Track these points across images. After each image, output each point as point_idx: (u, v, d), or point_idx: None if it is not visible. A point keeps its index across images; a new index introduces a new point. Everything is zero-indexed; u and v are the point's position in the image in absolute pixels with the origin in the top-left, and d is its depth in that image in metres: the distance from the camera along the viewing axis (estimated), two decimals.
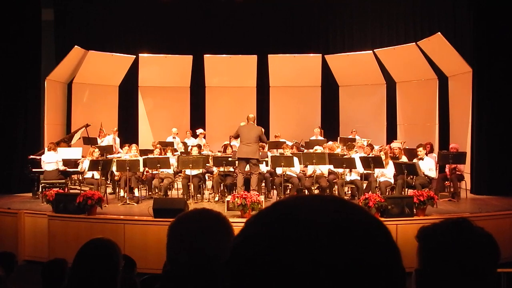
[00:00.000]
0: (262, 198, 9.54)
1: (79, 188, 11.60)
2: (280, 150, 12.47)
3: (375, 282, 0.73)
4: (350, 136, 14.78)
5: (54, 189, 10.19)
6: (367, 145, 12.24)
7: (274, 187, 11.45)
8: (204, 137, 15.32)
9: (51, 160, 11.54)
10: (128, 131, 16.65)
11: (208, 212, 1.71)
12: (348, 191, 11.76)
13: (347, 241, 0.74)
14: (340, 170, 11.05)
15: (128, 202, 10.91)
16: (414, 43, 14.33)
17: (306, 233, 0.74)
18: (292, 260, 0.72)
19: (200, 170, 11.38)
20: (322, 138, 14.75)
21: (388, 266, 0.76)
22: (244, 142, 10.63)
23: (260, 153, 12.00)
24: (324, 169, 11.27)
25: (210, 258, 1.58)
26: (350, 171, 11.06)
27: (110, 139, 14.56)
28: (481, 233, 1.57)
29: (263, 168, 11.66)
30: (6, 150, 12.59)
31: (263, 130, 11.05)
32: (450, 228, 1.58)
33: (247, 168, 10.81)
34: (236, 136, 11.06)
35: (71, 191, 11.39)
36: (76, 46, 14.67)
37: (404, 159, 11.46)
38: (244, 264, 0.76)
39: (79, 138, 14.65)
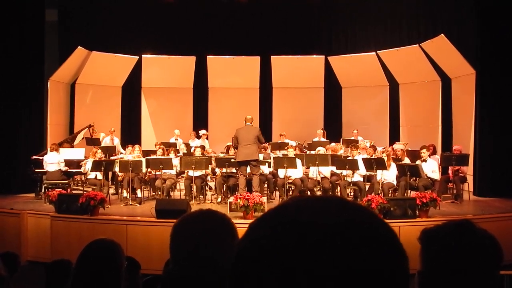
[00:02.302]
0: (264, 199, 9.54)
1: (82, 188, 11.60)
2: (283, 151, 12.46)
3: (378, 284, 0.73)
4: (352, 138, 14.76)
5: (56, 189, 10.19)
6: (370, 147, 12.24)
7: (277, 188, 11.44)
8: (207, 138, 15.33)
9: (53, 160, 11.56)
10: (131, 132, 16.68)
11: (212, 213, 1.71)
12: (350, 192, 11.76)
13: (348, 243, 0.74)
14: (343, 172, 11.04)
15: (130, 203, 10.93)
16: (417, 44, 14.31)
17: (308, 235, 0.74)
18: (295, 262, 0.72)
19: (203, 171, 11.39)
20: (324, 139, 14.74)
21: (391, 268, 0.76)
22: (242, 144, 10.62)
23: (263, 154, 12.01)
24: (327, 170, 11.27)
25: (213, 259, 1.58)
26: (353, 172, 11.06)
27: (107, 140, 14.55)
28: (483, 235, 1.57)
29: (266, 169, 11.64)
30: (9, 150, 12.60)
31: (260, 130, 11.05)
32: (452, 230, 1.58)
33: (248, 169, 10.81)
34: (236, 143, 10.95)
35: (73, 191, 11.40)
36: (79, 46, 14.68)
37: (406, 160, 11.46)
38: (249, 268, 0.76)
39: (82, 139, 14.66)
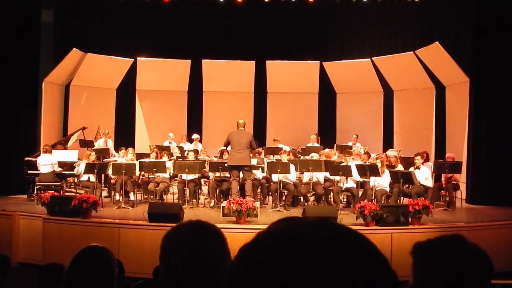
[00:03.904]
0: (257, 204, 9.52)
1: (75, 191, 11.57)
2: (277, 156, 12.46)
3: None
4: (350, 143, 14.76)
5: (49, 191, 10.14)
6: (364, 153, 12.25)
7: (270, 193, 11.43)
8: (200, 141, 15.30)
9: (46, 162, 11.51)
10: (125, 135, 16.64)
11: (202, 224, 1.72)
12: (343, 198, 11.77)
13: (339, 263, 0.75)
14: (337, 178, 11.04)
15: (123, 206, 10.89)
16: (412, 51, 14.37)
17: (299, 261, 0.75)
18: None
19: (196, 175, 11.37)
20: (318, 145, 14.76)
21: (379, 280, 0.77)
22: (235, 148, 10.60)
23: (257, 159, 12.01)
24: (320, 176, 11.27)
25: (204, 269, 1.58)
26: (346, 178, 11.07)
27: (101, 142, 14.53)
28: (475, 250, 1.58)
29: (259, 174, 11.64)
30: (2, 151, 12.54)
31: (252, 136, 11.06)
32: (445, 245, 1.58)
33: (241, 174, 10.80)
34: (227, 144, 11.00)
35: (66, 194, 11.36)
36: (74, 48, 14.67)
37: (400, 167, 11.49)
38: None
39: (76, 141, 14.62)
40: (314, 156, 11.91)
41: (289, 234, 0.80)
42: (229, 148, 11.14)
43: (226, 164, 10.99)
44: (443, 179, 11.51)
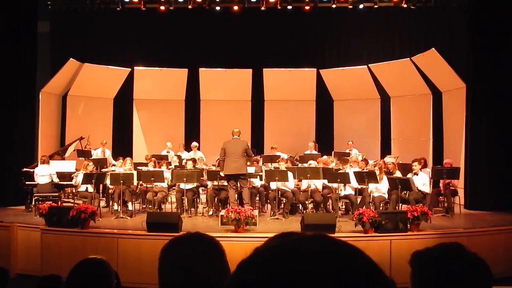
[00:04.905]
0: (256, 212, 9.50)
1: (73, 201, 11.54)
2: (275, 164, 12.46)
3: None
4: (348, 150, 14.77)
5: (47, 202, 10.12)
6: (361, 160, 12.26)
7: (268, 201, 11.42)
8: (198, 149, 15.26)
9: (44, 173, 11.48)
10: (122, 144, 16.62)
11: (200, 236, 1.71)
12: (342, 206, 11.76)
13: (335, 284, 0.76)
14: (335, 185, 11.04)
15: (121, 215, 10.86)
16: (408, 58, 14.41)
17: (296, 279, 0.76)
18: None
19: (194, 184, 11.36)
20: (316, 152, 14.76)
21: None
22: (230, 157, 10.58)
23: (255, 167, 11.99)
24: (318, 183, 11.27)
25: (203, 282, 1.58)
26: (345, 185, 11.06)
27: (99, 152, 14.51)
28: (474, 258, 1.57)
29: (257, 182, 11.62)
30: (0, 162, 12.51)
31: (249, 144, 11.04)
32: (443, 254, 1.58)
33: (238, 184, 10.78)
34: (223, 155, 10.90)
35: (64, 204, 11.32)
36: (71, 58, 14.68)
37: (398, 174, 11.49)
38: None
39: (73, 151, 14.60)
40: (312, 163, 11.90)
41: (286, 251, 0.81)
42: None
43: (222, 174, 10.96)
44: (441, 185, 11.51)
